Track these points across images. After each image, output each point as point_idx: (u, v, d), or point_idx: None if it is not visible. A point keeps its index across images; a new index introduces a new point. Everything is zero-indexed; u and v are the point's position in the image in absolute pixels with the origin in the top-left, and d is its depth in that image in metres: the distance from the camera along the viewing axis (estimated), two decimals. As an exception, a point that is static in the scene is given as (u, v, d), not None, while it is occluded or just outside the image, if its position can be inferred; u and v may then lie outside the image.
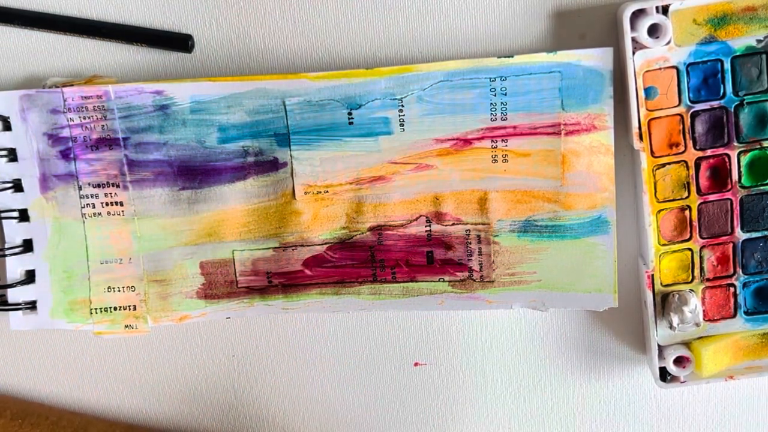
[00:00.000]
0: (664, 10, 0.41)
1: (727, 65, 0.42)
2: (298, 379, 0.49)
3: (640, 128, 0.42)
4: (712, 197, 0.43)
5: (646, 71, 0.42)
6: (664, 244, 0.44)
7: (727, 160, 0.43)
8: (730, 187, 0.43)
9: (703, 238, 0.44)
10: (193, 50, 0.45)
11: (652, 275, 0.44)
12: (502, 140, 0.44)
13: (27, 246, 0.46)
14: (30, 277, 0.47)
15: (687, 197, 0.43)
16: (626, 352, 0.48)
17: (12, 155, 0.46)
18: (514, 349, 0.48)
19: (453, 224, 0.45)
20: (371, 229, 0.46)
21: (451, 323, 0.48)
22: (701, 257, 0.44)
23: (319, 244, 0.46)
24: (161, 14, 0.45)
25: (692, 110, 0.42)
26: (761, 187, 0.43)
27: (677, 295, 0.44)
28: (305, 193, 0.45)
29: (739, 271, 0.44)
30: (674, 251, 0.44)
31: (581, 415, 0.49)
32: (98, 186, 0.46)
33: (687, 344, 0.45)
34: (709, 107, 0.42)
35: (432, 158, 0.45)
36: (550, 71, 0.43)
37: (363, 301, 0.46)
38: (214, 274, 0.46)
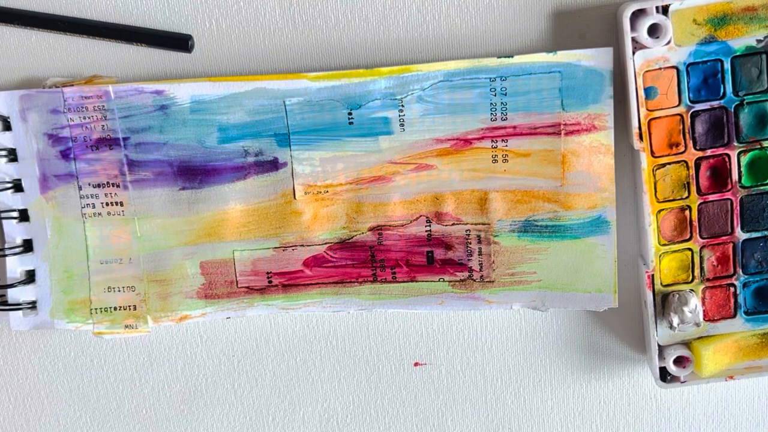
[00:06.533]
0: (664, 10, 0.41)
1: (727, 65, 0.42)
2: (298, 379, 0.49)
3: (640, 128, 0.42)
4: (712, 197, 0.43)
5: (646, 71, 0.42)
6: (664, 244, 0.44)
7: (727, 160, 0.43)
8: (730, 187, 0.43)
9: (703, 238, 0.44)
10: (193, 50, 0.45)
11: (652, 275, 0.44)
12: (502, 140, 0.44)
13: (27, 246, 0.46)
14: (30, 277, 0.47)
15: (687, 197, 0.43)
16: (626, 352, 0.48)
17: (12, 155, 0.46)
18: (514, 349, 0.48)
19: (453, 224, 0.45)
20: (371, 229, 0.46)
21: (451, 323, 0.48)
22: (701, 257, 0.44)
23: (319, 244, 0.46)
24: (161, 14, 0.45)
25: (692, 110, 0.42)
26: (761, 187, 0.43)
27: (677, 295, 0.44)
28: (305, 193, 0.45)
29: (739, 271, 0.44)
30: (674, 251, 0.44)
31: (581, 415, 0.49)
32: (98, 186, 0.46)
33: (687, 344, 0.45)
34: (709, 107, 0.42)
35: (432, 158, 0.45)
36: (550, 71, 0.43)
37: (363, 301, 0.46)
38: (214, 274, 0.46)
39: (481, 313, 0.48)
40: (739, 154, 0.43)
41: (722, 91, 0.42)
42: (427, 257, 0.46)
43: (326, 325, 0.48)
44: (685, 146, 0.43)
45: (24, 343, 0.49)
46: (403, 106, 0.44)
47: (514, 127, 0.44)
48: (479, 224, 0.45)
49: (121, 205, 0.46)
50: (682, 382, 0.45)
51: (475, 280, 0.46)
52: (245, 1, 0.45)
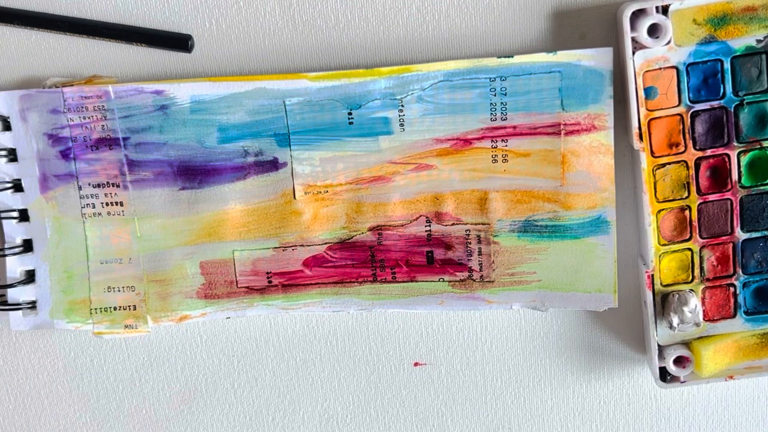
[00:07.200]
0: (664, 10, 0.41)
1: (727, 65, 0.42)
2: (298, 379, 0.49)
3: (640, 128, 0.42)
4: (712, 197, 0.43)
5: (646, 71, 0.42)
6: (664, 244, 0.44)
7: (727, 160, 0.43)
8: (730, 187, 0.43)
9: (703, 238, 0.44)
10: (193, 50, 0.45)
11: (652, 275, 0.44)
12: (502, 140, 0.44)
13: (27, 246, 0.46)
14: (30, 277, 0.47)
15: (687, 197, 0.43)
16: (626, 352, 0.48)
17: (12, 155, 0.46)
18: (514, 349, 0.48)
19: (453, 224, 0.45)
20: (371, 229, 0.46)
21: (451, 323, 0.48)
22: (701, 257, 0.44)
23: (319, 244, 0.46)
24: (161, 14, 0.45)
25: (692, 110, 0.42)
26: (761, 187, 0.43)
27: (677, 295, 0.44)
28: (305, 193, 0.45)
29: (739, 271, 0.44)
30: (674, 251, 0.44)
31: (581, 415, 0.49)
32: (98, 186, 0.46)
33: (687, 344, 0.45)
34: (709, 107, 0.42)
35: (432, 158, 0.45)
36: (550, 71, 0.43)
37: (363, 301, 0.46)
38: (214, 274, 0.46)
39: (481, 313, 0.48)
40: (739, 154, 0.43)
41: (722, 91, 0.42)
42: (427, 257, 0.46)
43: (326, 325, 0.48)
44: (685, 146, 0.43)
45: (24, 343, 0.49)
46: (403, 106, 0.44)
47: (514, 127, 0.44)
48: (479, 224, 0.45)
49: (121, 205, 0.46)
50: (682, 382, 0.45)
51: (474, 280, 0.46)
52: (245, 1, 0.45)
